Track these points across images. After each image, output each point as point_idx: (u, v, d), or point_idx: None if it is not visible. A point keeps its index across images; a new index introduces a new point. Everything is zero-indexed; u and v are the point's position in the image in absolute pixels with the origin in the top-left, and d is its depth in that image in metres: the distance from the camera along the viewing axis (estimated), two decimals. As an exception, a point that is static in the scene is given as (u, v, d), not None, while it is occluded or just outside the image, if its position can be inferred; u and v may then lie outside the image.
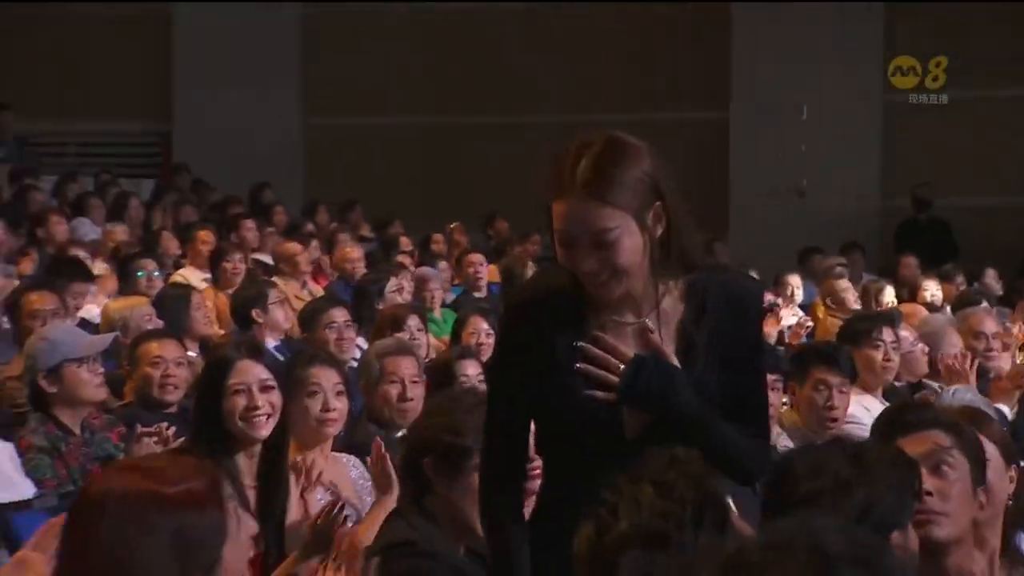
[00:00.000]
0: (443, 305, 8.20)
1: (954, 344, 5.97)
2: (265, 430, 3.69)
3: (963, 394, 4.68)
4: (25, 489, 4.13)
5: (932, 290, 8.81)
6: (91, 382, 4.50)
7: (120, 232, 9.67)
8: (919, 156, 13.03)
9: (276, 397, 3.75)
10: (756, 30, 13.30)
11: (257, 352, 4.01)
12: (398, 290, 7.47)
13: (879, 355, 5.35)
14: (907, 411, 3.08)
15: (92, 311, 6.95)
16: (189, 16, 14.18)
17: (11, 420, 4.81)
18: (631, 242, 2.40)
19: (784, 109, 13.14)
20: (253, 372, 3.74)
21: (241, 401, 3.68)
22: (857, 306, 8.44)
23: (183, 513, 1.85)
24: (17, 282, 7.10)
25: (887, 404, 5.09)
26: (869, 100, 13.23)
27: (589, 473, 2.33)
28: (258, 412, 3.67)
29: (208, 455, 3.42)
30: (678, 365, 2.42)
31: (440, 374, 4.54)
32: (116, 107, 14.32)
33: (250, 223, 10.00)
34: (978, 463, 2.82)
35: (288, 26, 14.40)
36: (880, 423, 3.01)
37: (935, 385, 5.68)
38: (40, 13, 14.07)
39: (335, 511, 3.27)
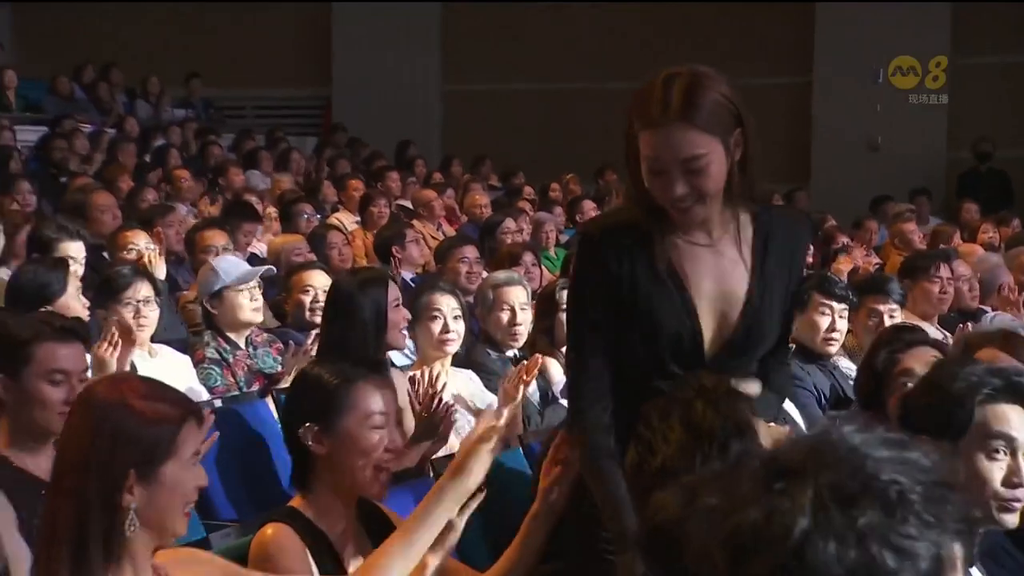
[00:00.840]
0: (557, 244, 8.16)
1: (1005, 279, 5.80)
2: (404, 341, 3.79)
3: (1002, 318, 4.53)
4: (199, 394, 4.20)
5: (990, 232, 8.58)
6: (246, 306, 4.50)
7: (286, 181, 9.77)
8: (981, 113, 12.57)
9: (407, 313, 3.82)
10: (837, 5, 12.95)
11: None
12: (517, 231, 7.44)
13: (936, 288, 5.19)
14: (902, 332, 3.05)
15: (261, 247, 7.06)
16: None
17: (189, 336, 4.92)
18: (718, 168, 2.18)
19: (862, 73, 12.79)
20: (393, 292, 3.77)
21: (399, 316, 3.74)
22: (922, 246, 8.22)
23: (136, 421, 1.92)
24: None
25: (942, 331, 4.96)
26: (936, 66, 12.81)
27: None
28: (401, 326, 3.75)
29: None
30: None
31: (545, 302, 4.47)
32: (286, 76, 14.49)
33: (394, 174, 10.02)
34: None
35: (431, 8, 14.40)
36: (883, 342, 2.97)
37: (989, 311, 5.52)
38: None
39: (434, 404, 3.33)
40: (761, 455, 1.19)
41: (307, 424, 2.41)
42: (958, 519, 1.10)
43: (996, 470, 2.12)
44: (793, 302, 2.40)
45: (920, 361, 2.81)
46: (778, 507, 1.10)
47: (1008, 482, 2.11)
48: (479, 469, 2.17)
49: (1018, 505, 2.12)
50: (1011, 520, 2.14)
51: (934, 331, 4.93)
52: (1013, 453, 2.12)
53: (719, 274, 2.27)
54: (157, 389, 2.02)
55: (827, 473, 1.11)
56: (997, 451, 2.12)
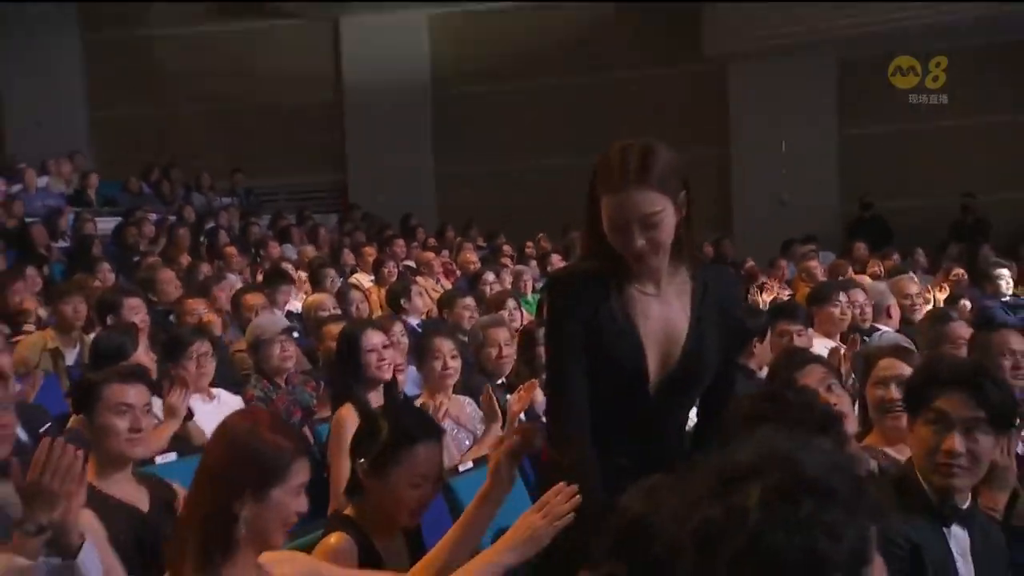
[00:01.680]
0: (533, 291, 8.14)
1: (890, 302, 5.80)
2: (388, 374, 3.81)
3: (889, 336, 4.50)
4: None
5: (876, 266, 8.65)
6: (275, 355, 4.50)
7: (313, 250, 9.75)
8: (864, 173, 12.74)
9: (393, 353, 3.90)
10: (748, 90, 13.15)
11: (379, 325, 4.08)
12: (495, 281, 7.42)
13: (837, 311, 5.19)
14: (794, 355, 3.00)
15: (296, 305, 7.01)
16: (360, 103, 14.33)
17: (240, 380, 4.87)
18: (670, 222, 2.06)
19: (769, 145, 12.91)
20: (378, 338, 3.83)
21: (374, 357, 3.78)
22: (824, 278, 8.24)
23: (261, 445, 1.89)
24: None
25: (840, 345, 4.94)
26: (827, 138, 13.05)
27: (619, 416, 2.12)
28: (384, 362, 3.80)
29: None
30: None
31: (525, 339, 4.49)
32: (310, 168, 14.51)
33: (400, 241, 10.00)
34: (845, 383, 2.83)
35: (424, 109, 14.46)
36: (780, 366, 2.90)
37: (884, 329, 5.51)
38: (256, 109, 14.31)
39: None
40: (713, 461, 1.18)
41: (361, 460, 2.34)
42: (873, 507, 1.12)
43: (932, 440, 2.14)
44: (733, 349, 2.29)
45: (813, 377, 2.73)
46: (735, 504, 1.11)
47: (940, 450, 2.12)
48: (507, 470, 2.13)
49: (955, 471, 2.12)
50: (956, 483, 2.14)
51: (835, 345, 4.91)
52: (949, 428, 2.12)
53: (664, 320, 2.16)
54: (283, 424, 1.99)
55: (772, 474, 1.12)
56: (935, 424, 2.14)
